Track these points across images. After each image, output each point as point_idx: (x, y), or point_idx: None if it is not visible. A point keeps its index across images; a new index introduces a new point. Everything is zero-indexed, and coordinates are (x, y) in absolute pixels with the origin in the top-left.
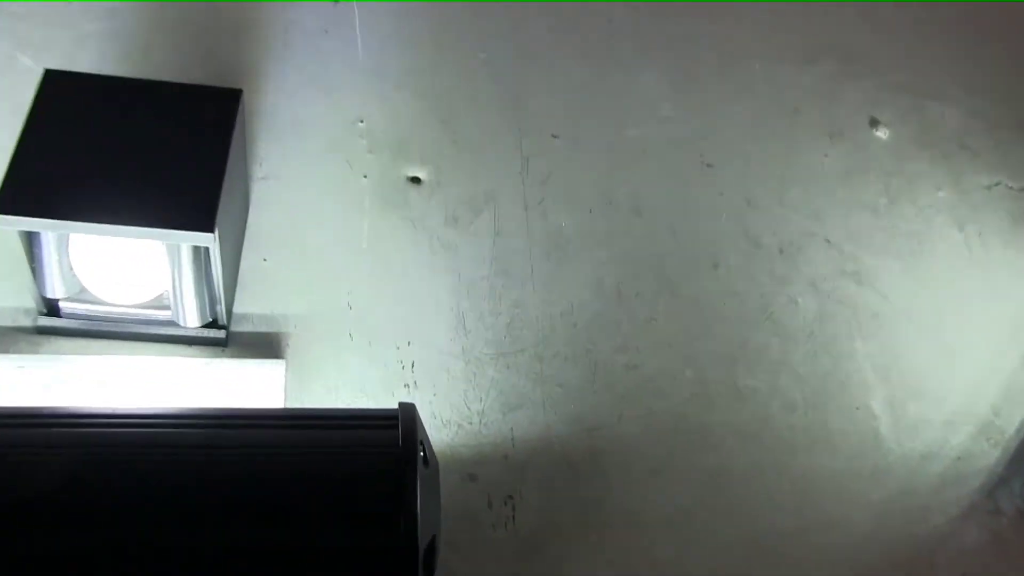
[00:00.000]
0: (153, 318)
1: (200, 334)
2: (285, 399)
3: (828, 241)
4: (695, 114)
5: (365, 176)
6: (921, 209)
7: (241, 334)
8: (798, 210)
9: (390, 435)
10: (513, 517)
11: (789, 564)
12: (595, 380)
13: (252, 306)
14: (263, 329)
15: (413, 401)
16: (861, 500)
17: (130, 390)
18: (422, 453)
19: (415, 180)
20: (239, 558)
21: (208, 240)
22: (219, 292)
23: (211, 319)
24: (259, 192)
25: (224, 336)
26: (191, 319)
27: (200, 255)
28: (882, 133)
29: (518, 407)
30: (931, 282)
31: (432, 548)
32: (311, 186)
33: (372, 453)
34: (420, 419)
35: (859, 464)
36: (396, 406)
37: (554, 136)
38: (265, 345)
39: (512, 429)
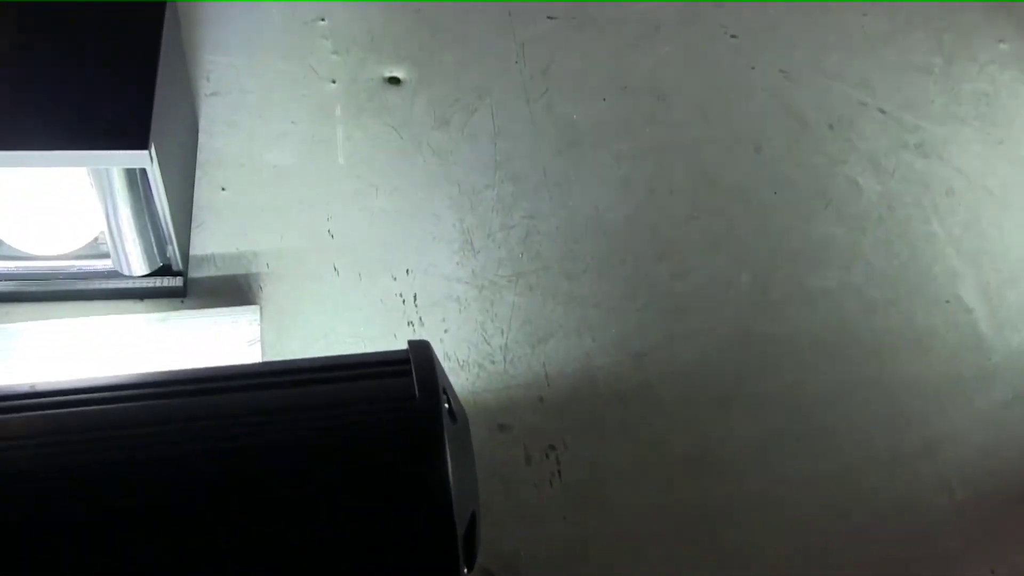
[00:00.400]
0: (91, 269)
1: (151, 284)
2: (262, 353)
3: (882, 111)
4: None
5: (333, 81)
6: (983, 66)
7: (202, 280)
8: (843, 78)
9: (402, 384)
10: (558, 472)
11: (891, 495)
12: (636, 295)
13: (213, 246)
14: (229, 271)
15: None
16: (966, 410)
17: (73, 359)
18: (447, 405)
19: (393, 81)
20: (232, 558)
21: (143, 160)
22: (168, 230)
23: (161, 264)
24: (209, 111)
25: (181, 284)
26: (136, 266)
27: (137, 183)
28: None
29: (548, 337)
30: (1007, 147)
31: (472, 528)
32: (270, 99)
33: (382, 411)
34: (438, 360)
35: (958, 367)
36: (404, 346)
37: (550, 17)
38: (233, 291)
39: (544, 364)
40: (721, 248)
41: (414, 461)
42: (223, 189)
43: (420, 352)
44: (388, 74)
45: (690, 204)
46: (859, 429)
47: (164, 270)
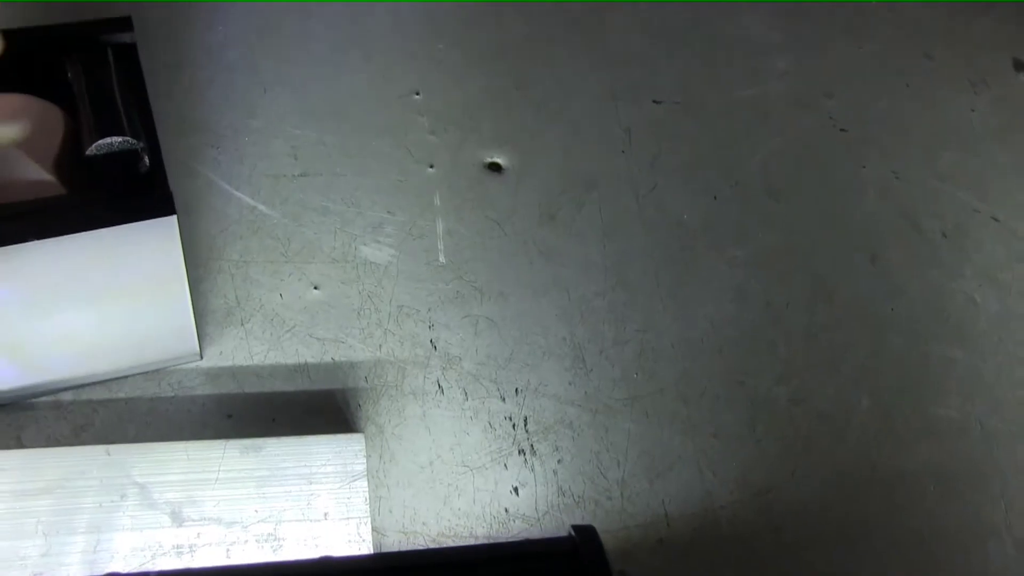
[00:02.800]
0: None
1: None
2: (369, 487)
3: (996, 220)
4: (814, 66)
5: (431, 166)
6: None
7: (295, 395)
8: (954, 181)
9: None
10: None
11: None
12: (755, 424)
13: (307, 354)
14: (324, 386)
15: (533, 472)
16: None
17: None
18: None
19: (494, 167)
20: None
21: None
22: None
23: None
24: (299, 195)
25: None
26: None
27: None
28: None
29: (667, 471)
30: None
31: None
32: (364, 183)
33: None
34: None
35: None
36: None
37: (655, 101)
38: (330, 409)
39: (664, 502)
40: (841, 371)
41: None
42: (315, 288)
43: (587, 538)
44: (489, 159)
45: (808, 320)
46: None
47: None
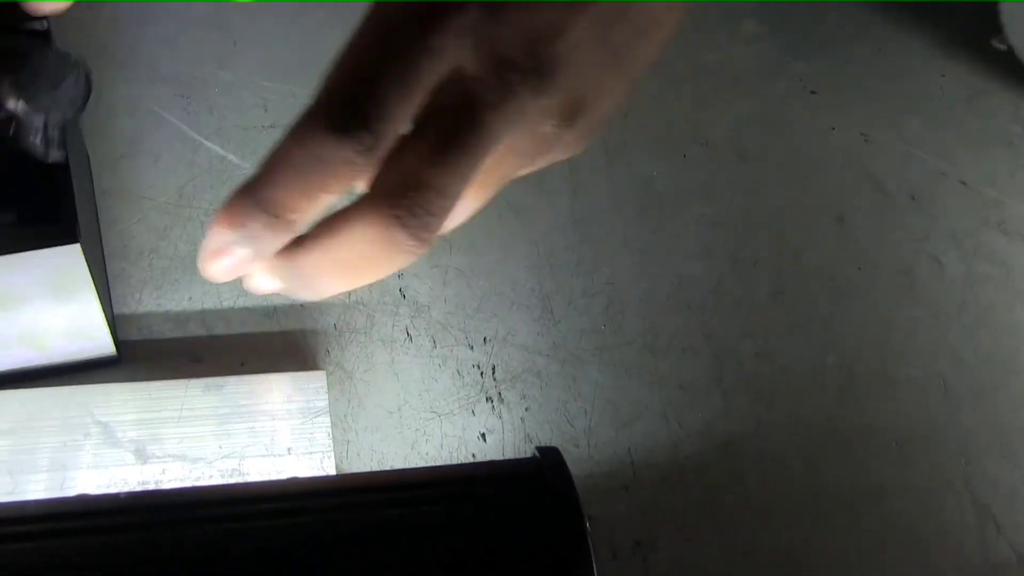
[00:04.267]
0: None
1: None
2: (331, 424)
3: (963, 183)
4: (784, 30)
5: None
6: None
7: (258, 336)
8: (922, 146)
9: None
10: (645, 570)
11: None
12: (722, 377)
13: (275, 297)
14: (290, 327)
15: (500, 419)
16: None
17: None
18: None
19: None
20: None
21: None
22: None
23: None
24: (269, 145)
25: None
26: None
27: None
28: (1001, 44)
29: (634, 420)
30: None
31: None
32: None
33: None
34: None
35: None
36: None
37: None
38: (295, 352)
39: (630, 450)
40: (805, 329)
41: None
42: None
43: (551, 460)
44: None
45: (774, 280)
46: (949, 534)
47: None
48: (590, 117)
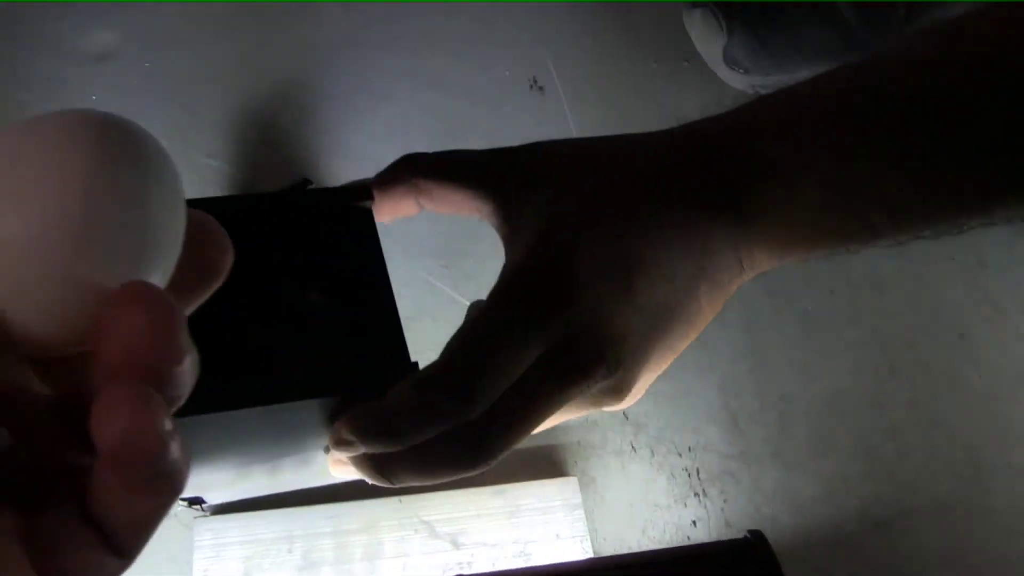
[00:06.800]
0: None
1: None
2: (587, 521)
3: None
4: None
5: None
6: None
7: (516, 450)
8: None
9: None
10: None
11: None
12: (870, 472)
13: None
14: (542, 443)
15: (706, 509)
16: None
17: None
18: None
19: None
20: None
21: None
22: None
23: None
24: None
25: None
26: None
27: None
28: None
29: (807, 507)
30: None
31: None
32: None
33: None
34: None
35: None
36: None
37: None
38: (548, 465)
39: (806, 529)
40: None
41: None
42: None
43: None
44: None
45: (909, 388)
46: None
47: None
48: (638, 393)
